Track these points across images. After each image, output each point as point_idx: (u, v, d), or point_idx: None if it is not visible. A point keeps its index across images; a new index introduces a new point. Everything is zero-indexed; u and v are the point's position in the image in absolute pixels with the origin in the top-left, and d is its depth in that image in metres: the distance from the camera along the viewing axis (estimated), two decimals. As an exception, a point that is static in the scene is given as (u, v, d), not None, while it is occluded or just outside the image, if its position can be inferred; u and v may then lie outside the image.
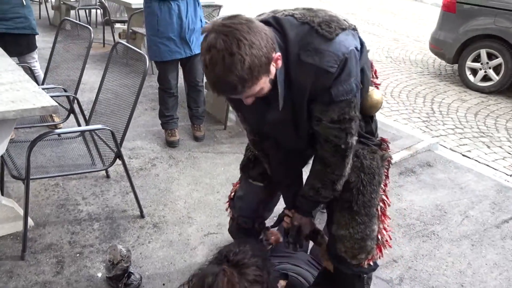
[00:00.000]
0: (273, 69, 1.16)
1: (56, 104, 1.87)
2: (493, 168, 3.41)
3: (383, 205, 1.53)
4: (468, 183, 3.04)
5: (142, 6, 3.07)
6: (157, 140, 3.31)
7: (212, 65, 1.07)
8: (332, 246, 1.56)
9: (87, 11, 6.65)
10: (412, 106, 4.61)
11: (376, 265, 1.61)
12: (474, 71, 5.18)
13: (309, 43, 1.20)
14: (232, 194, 1.88)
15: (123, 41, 5.28)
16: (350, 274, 1.57)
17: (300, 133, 1.39)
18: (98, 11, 6.51)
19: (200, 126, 3.38)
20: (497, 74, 4.97)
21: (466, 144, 3.80)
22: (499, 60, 4.91)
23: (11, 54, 2.58)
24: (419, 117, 4.32)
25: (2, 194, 2.31)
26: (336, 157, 1.36)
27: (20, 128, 3.04)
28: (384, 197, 1.54)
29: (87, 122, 2.57)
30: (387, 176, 1.55)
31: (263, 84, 1.16)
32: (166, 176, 2.84)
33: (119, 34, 5.24)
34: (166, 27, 2.89)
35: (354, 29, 1.32)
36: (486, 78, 5.09)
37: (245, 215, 1.79)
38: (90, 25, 6.74)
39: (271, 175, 1.64)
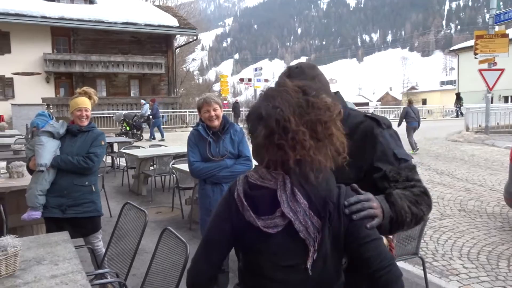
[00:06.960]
0: None
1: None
2: None
3: None
4: None
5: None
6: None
7: None
8: None
9: (162, 177, 7.36)
10: (494, 271, 4.07)
11: None
12: None
13: None
14: None
15: (189, 206, 5.64)
16: None
17: None
18: (172, 176, 7.17)
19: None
20: None
21: None
22: None
23: (76, 235, 2.81)
24: (504, 286, 3.76)
25: None
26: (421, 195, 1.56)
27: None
28: None
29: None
30: None
31: None
32: None
33: (186, 200, 5.59)
34: None
35: None
36: None
37: None
38: (164, 189, 7.45)
39: None
